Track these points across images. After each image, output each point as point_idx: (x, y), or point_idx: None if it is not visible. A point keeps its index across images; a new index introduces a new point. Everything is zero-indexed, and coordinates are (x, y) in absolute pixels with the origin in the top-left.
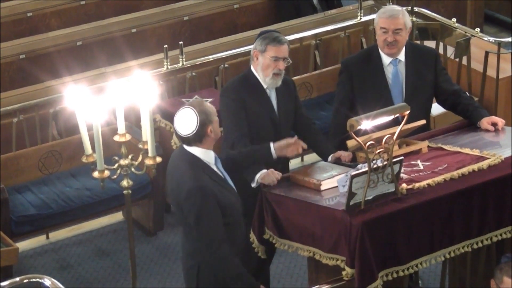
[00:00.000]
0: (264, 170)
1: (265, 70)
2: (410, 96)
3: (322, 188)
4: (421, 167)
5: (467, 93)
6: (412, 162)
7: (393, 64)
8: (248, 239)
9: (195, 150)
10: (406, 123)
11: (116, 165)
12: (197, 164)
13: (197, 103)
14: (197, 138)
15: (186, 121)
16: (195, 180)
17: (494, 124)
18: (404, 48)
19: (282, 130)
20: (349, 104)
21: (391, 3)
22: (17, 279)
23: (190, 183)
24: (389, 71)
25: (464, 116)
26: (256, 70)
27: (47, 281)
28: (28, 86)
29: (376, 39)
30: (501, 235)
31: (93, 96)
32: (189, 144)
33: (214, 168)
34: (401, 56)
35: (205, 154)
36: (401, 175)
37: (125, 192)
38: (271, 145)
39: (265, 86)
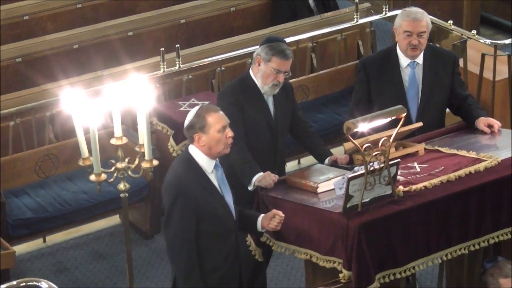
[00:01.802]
0: (261, 173)
1: (265, 79)
2: (426, 98)
3: (319, 190)
4: (418, 169)
5: (474, 98)
6: (409, 165)
7: (411, 67)
8: (238, 254)
9: (195, 153)
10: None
11: (113, 168)
12: (189, 164)
13: (209, 108)
14: (187, 136)
15: (188, 115)
16: (176, 175)
17: (490, 126)
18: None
19: (279, 134)
20: (366, 103)
21: (387, 6)
22: (14, 282)
23: (171, 177)
24: (406, 74)
25: (464, 116)
26: (255, 75)
27: (44, 284)
28: (24, 90)
29: (396, 41)
30: (498, 237)
31: (90, 99)
32: (188, 140)
33: (210, 176)
34: (419, 59)
35: (204, 160)
36: (398, 177)
37: (122, 195)
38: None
39: (262, 91)
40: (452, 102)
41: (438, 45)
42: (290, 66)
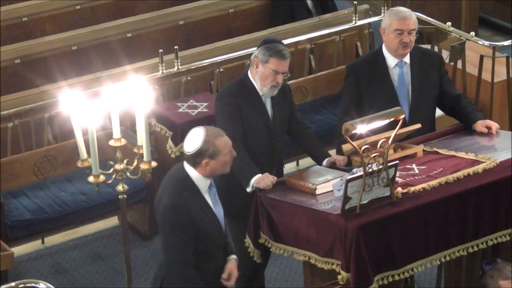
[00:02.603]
0: (259, 174)
1: (263, 80)
2: (417, 97)
3: (318, 192)
4: (416, 171)
5: (467, 97)
6: (407, 166)
7: (399, 66)
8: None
9: (191, 171)
10: (412, 123)
11: (111, 169)
12: (185, 184)
13: (215, 133)
14: (191, 161)
15: (192, 139)
16: (173, 199)
17: (488, 128)
18: None
19: (277, 136)
20: (355, 107)
21: (385, 7)
22: (13, 284)
23: (167, 200)
24: (394, 73)
25: (461, 118)
26: (254, 77)
27: (42, 285)
28: (23, 91)
29: (384, 41)
30: (496, 239)
31: (88, 100)
32: (187, 162)
33: (205, 195)
34: (407, 58)
35: (200, 179)
36: (396, 179)
37: (120, 196)
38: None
39: (260, 94)
40: (444, 102)
41: (431, 47)
42: (289, 68)
